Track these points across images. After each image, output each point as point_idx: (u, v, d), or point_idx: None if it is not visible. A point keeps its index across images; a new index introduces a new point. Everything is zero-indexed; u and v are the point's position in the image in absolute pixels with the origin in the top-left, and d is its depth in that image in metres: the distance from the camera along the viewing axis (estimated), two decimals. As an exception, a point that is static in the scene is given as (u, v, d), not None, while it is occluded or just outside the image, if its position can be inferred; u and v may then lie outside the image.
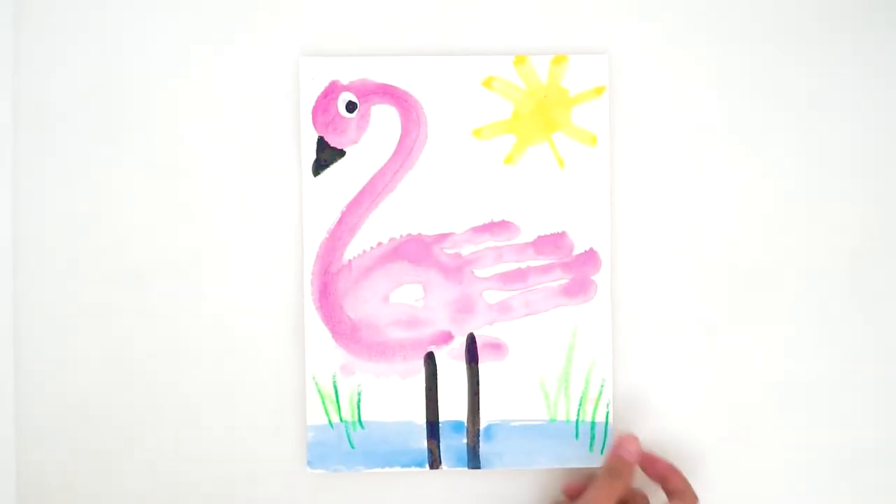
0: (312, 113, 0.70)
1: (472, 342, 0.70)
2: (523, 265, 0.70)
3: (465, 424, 0.70)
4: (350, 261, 0.70)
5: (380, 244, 0.70)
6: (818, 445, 0.72)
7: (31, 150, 0.72)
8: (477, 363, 0.70)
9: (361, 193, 0.70)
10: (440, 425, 0.70)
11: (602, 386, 0.70)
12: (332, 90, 0.70)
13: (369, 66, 0.70)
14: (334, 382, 0.70)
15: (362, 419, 0.70)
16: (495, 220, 0.70)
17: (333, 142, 0.70)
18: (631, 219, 0.71)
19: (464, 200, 0.70)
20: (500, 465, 0.70)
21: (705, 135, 0.72)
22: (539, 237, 0.70)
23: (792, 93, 0.72)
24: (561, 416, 0.70)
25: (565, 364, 0.70)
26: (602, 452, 0.70)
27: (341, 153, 0.70)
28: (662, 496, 0.67)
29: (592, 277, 0.70)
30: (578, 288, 0.70)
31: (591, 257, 0.70)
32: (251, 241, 0.72)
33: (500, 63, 0.70)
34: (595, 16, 0.72)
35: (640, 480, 0.69)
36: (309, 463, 0.70)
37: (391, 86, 0.70)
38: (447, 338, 0.70)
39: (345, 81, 0.70)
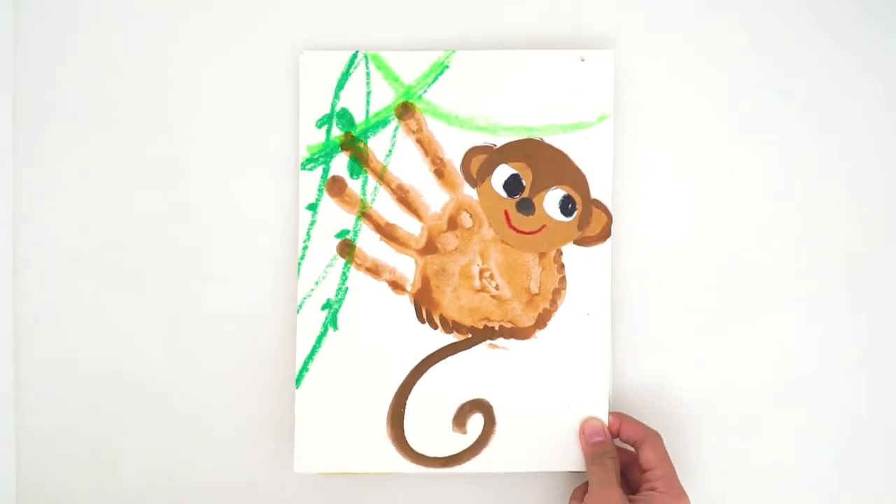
0: None
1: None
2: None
3: None
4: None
5: None
6: (818, 445, 0.72)
7: (31, 150, 0.72)
8: None
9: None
10: None
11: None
12: None
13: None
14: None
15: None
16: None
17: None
18: (631, 217, 0.71)
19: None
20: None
21: (706, 135, 0.72)
22: None
23: (792, 93, 0.72)
24: None
25: None
26: None
27: None
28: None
29: None
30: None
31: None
32: (250, 242, 0.72)
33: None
34: (601, 13, 0.72)
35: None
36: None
37: None
38: None
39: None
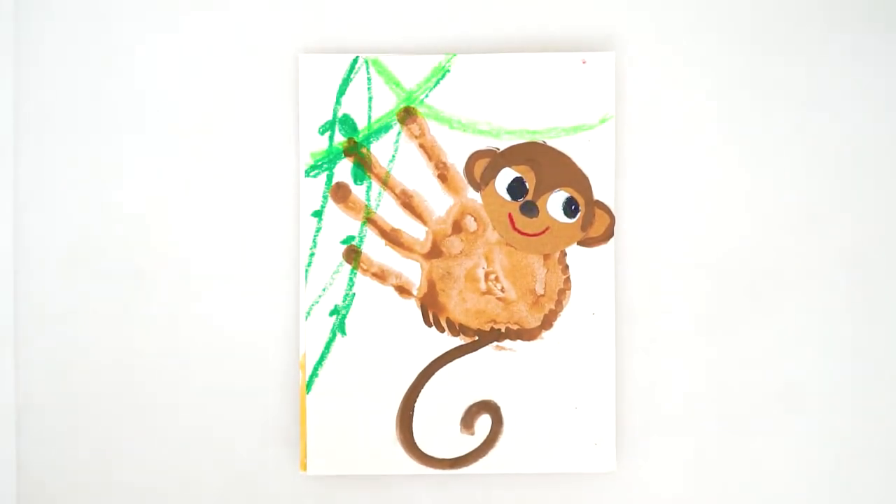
0: None
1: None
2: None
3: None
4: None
5: None
6: (818, 445, 0.73)
7: (31, 150, 0.72)
8: None
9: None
10: None
11: None
12: None
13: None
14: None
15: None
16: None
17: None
18: (634, 217, 0.72)
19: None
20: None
21: (706, 135, 0.72)
22: None
23: (792, 93, 0.72)
24: None
25: None
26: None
27: None
28: None
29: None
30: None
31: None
32: (249, 243, 0.72)
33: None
34: (602, 15, 0.72)
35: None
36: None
37: None
38: None
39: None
